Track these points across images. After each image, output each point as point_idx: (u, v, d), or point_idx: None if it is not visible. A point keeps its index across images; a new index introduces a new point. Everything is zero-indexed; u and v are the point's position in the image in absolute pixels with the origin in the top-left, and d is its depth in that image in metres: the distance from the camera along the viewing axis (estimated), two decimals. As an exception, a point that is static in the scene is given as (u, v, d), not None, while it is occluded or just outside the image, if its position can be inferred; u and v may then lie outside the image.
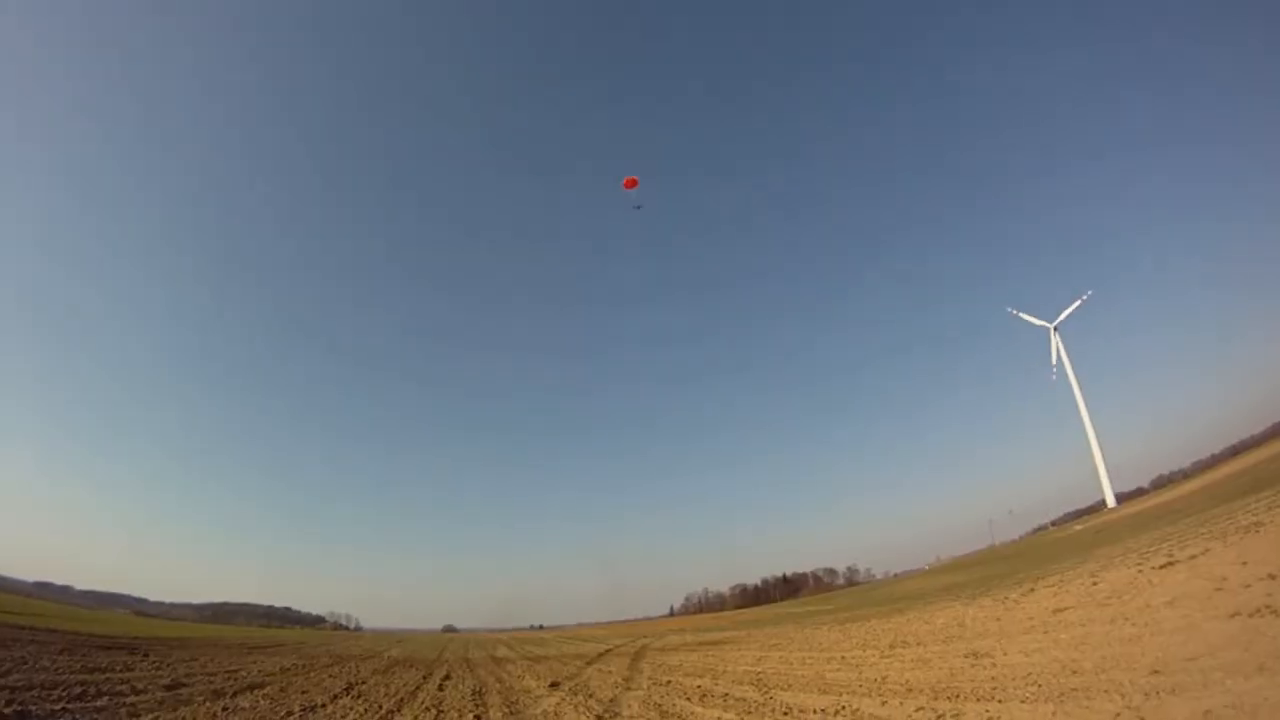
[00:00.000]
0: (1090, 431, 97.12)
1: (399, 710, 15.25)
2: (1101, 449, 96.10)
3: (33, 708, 10.58)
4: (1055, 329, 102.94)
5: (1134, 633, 10.07)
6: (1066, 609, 14.16)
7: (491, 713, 14.75)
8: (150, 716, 11.68)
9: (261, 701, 15.38)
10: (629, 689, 17.62)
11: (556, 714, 14.05)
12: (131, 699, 13.38)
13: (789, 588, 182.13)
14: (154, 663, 22.24)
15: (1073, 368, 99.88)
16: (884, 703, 10.25)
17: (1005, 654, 11.54)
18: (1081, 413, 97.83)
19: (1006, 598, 19.67)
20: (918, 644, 15.85)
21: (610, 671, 23.29)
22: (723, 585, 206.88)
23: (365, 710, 14.84)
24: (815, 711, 10.68)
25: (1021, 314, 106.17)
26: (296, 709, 14.47)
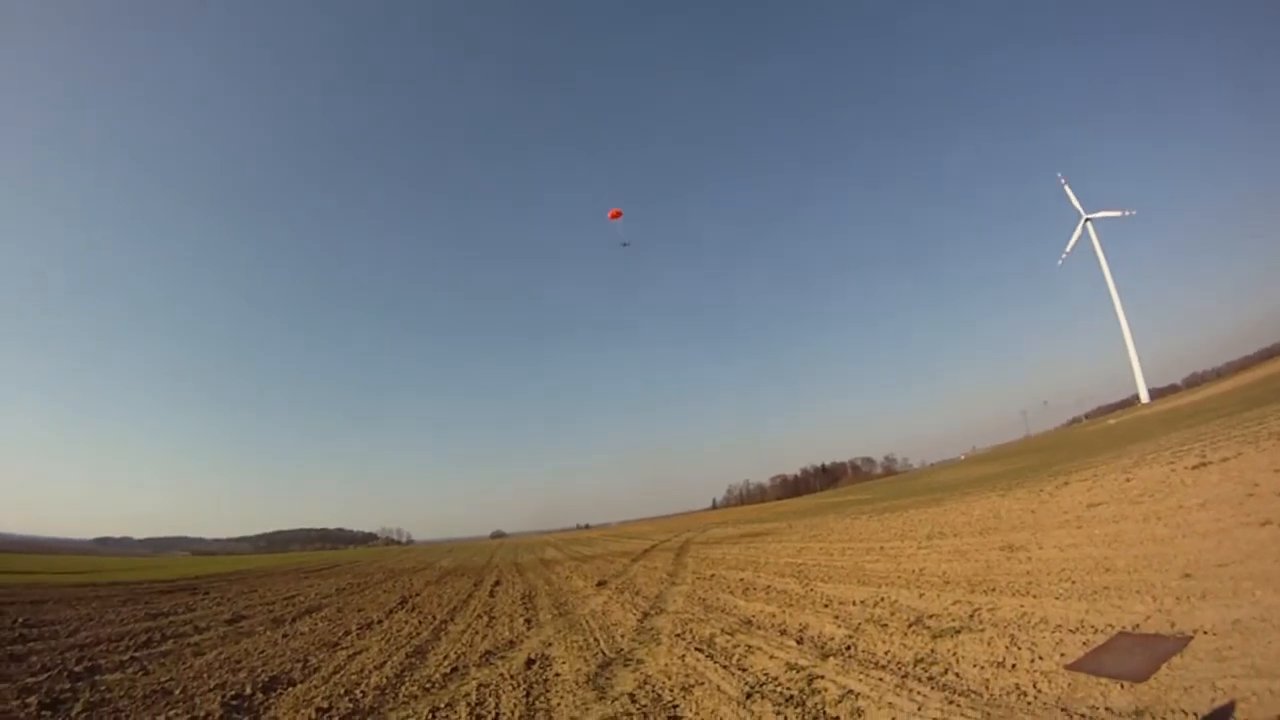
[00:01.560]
0: (1125, 326, 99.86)
1: (452, 619, 16.44)
2: (1135, 344, 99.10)
3: (101, 661, 11.71)
4: (1086, 220, 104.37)
5: (1166, 533, 10.32)
6: (1100, 504, 14.42)
7: (541, 615, 15.78)
8: (214, 652, 12.87)
9: (320, 624, 16.80)
10: (674, 584, 18.73)
11: (604, 612, 15.03)
12: (195, 638, 14.71)
13: (828, 478, 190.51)
14: (214, 600, 24.18)
15: (1107, 261, 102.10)
16: (921, 595, 10.77)
17: (1040, 548, 11.90)
18: (1116, 307, 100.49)
19: (1041, 490, 20.02)
20: (954, 535, 16.35)
21: (655, 568, 24.64)
22: (763, 477, 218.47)
23: (420, 622, 16.12)
24: (855, 603, 11.26)
25: (1067, 186, 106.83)
26: (354, 627, 15.81)
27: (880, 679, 7.23)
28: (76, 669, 11.00)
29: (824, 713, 6.65)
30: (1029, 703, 5.90)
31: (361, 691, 9.33)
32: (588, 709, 7.81)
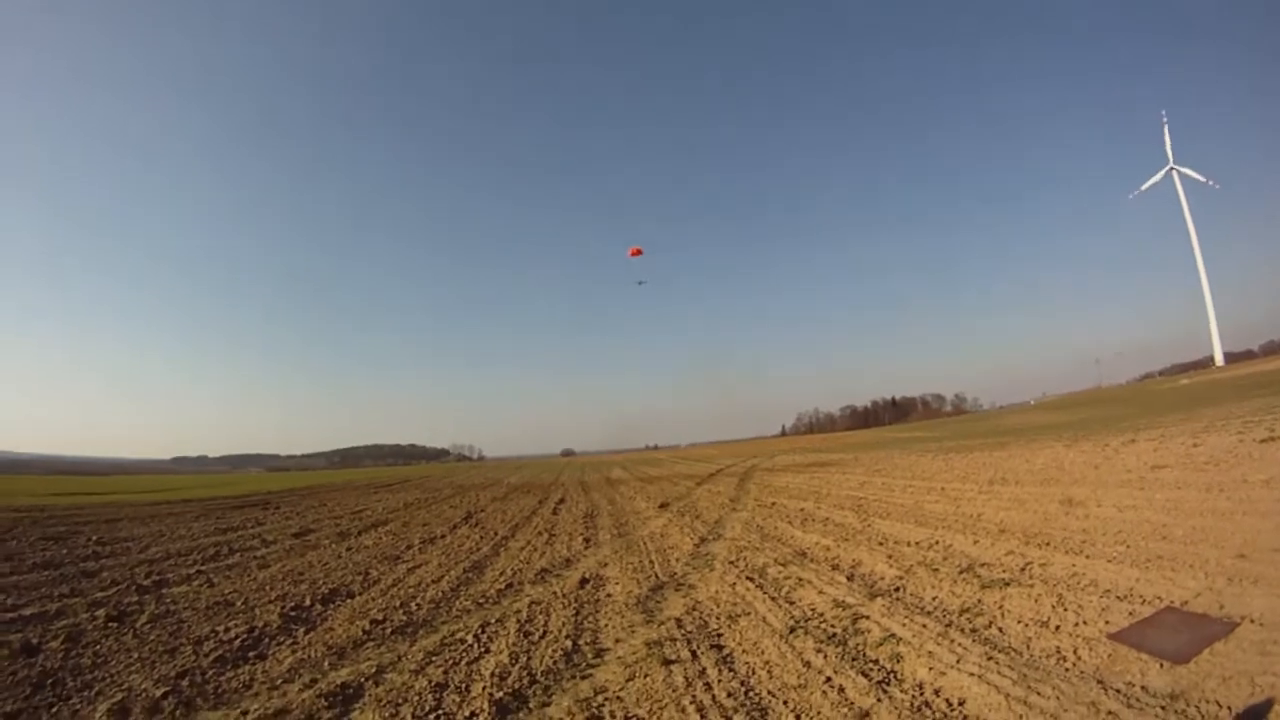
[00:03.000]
0: (1205, 285, 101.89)
1: (513, 535, 17.13)
2: (1215, 305, 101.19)
3: (169, 575, 12.78)
4: (1172, 169, 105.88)
5: (1227, 507, 9.90)
6: (1164, 467, 14.06)
7: (601, 534, 16.30)
8: (279, 565, 13.87)
9: (384, 538, 17.82)
10: (734, 510, 19.05)
11: (662, 535, 15.42)
12: (262, 551, 15.85)
13: (897, 411, 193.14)
14: (284, 514, 25.93)
15: (1193, 218, 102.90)
16: (976, 541, 10.65)
17: (1099, 505, 11.64)
18: (1198, 264, 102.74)
19: (1107, 444, 19.69)
20: (1016, 483, 16.11)
21: (718, 493, 25.07)
22: (833, 406, 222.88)
23: (481, 538, 16.91)
24: (909, 544, 11.24)
25: (1167, 127, 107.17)
26: (416, 541, 16.73)
27: (924, 626, 7.21)
28: (144, 583, 11.99)
29: (863, 654, 6.67)
30: (1066, 669, 5.81)
31: (416, 604, 9.88)
32: (633, 631, 8.02)
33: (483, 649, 7.69)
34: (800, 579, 9.77)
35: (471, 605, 9.76)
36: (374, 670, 7.17)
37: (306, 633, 8.83)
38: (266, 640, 8.54)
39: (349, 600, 10.52)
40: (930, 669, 6.11)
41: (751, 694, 6.02)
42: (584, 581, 10.85)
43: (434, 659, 7.42)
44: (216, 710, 6.44)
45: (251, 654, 8.01)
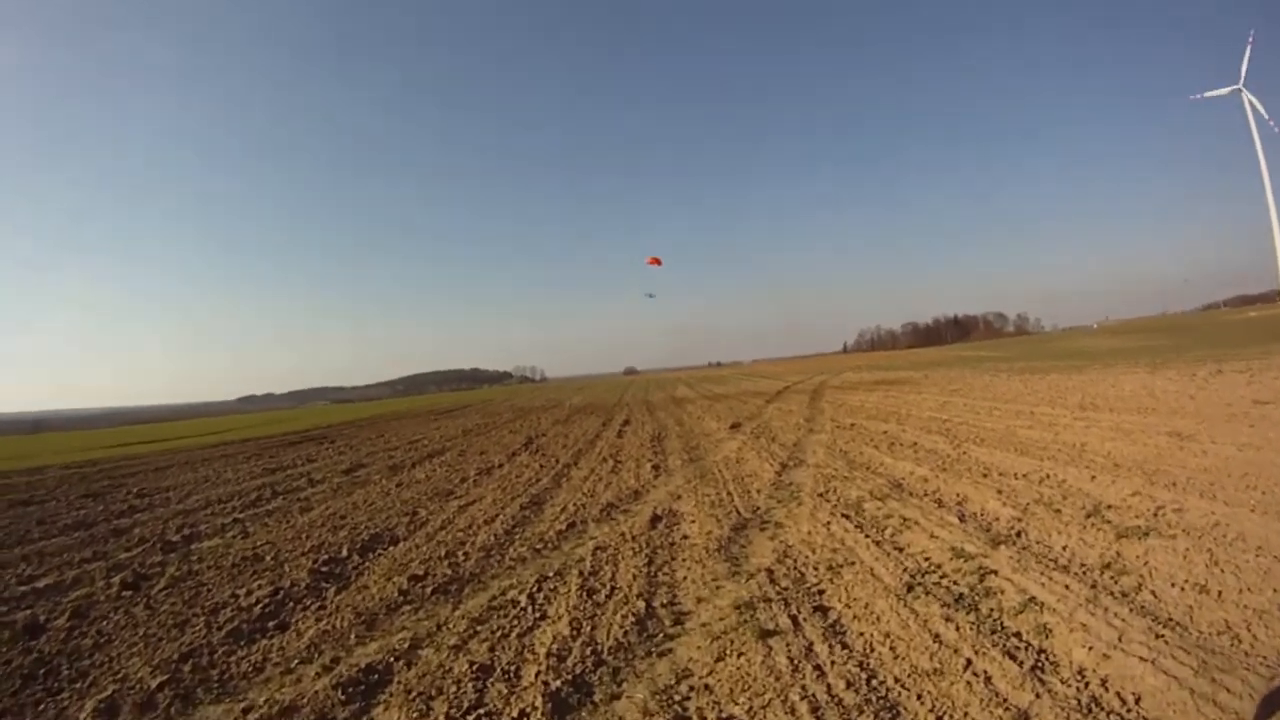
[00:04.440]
0: (1274, 218, 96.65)
1: (575, 463, 16.05)
2: None
3: (203, 526, 12.03)
4: (1239, 89, 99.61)
5: None
6: (1267, 403, 12.86)
7: (670, 460, 15.09)
8: (321, 507, 13.06)
9: (438, 470, 16.99)
10: (811, 431, 17.70)
11: (738, 460, 14.13)
12: (307, 492, 15.14)
13: (959, 330, 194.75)
14: (338, 449, 25.58)
15: (1263, 145, 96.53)
16: (1093, 477, 9.19)
17: (1213, 442, 10.25)
18: (1267, 194, 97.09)
19: (1194, 375, 18.37)
20: (1109, 410, 14.79)
21: (790, 411, 23.80)
22: (894, 323, 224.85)
23: (541, 467, 15.85)
24: (1016, 476, 9.84)
25: (1251, 47, 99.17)
26: (471, 473, 15.80)
27: (1066, 587, 5.82)
28: (174, 538, 11.24)
29: (1002, 625, 5.30)
30: (1245, 652, 4.47)
31: (465, 553, 8.78)
32: (718, 588, 6.70)
33: (538, 614, 6.48)
34: (904, 519, 8.35)
35: (527, 552, 8.61)
36: (406, 646, 6.03)
37: (338, 593, 7.83)
38: (291, 604, 7.54)
39: (390, 549, 9.53)
40: (1089, 649, 4.77)
41: (876, 683, 4.65)
42: (655, 519, 9.59)
43: (479, 629, 6.24)
44: (218, 704, 5.39)
45: (271, 624, 7.00)
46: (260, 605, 7.48)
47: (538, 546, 8.81)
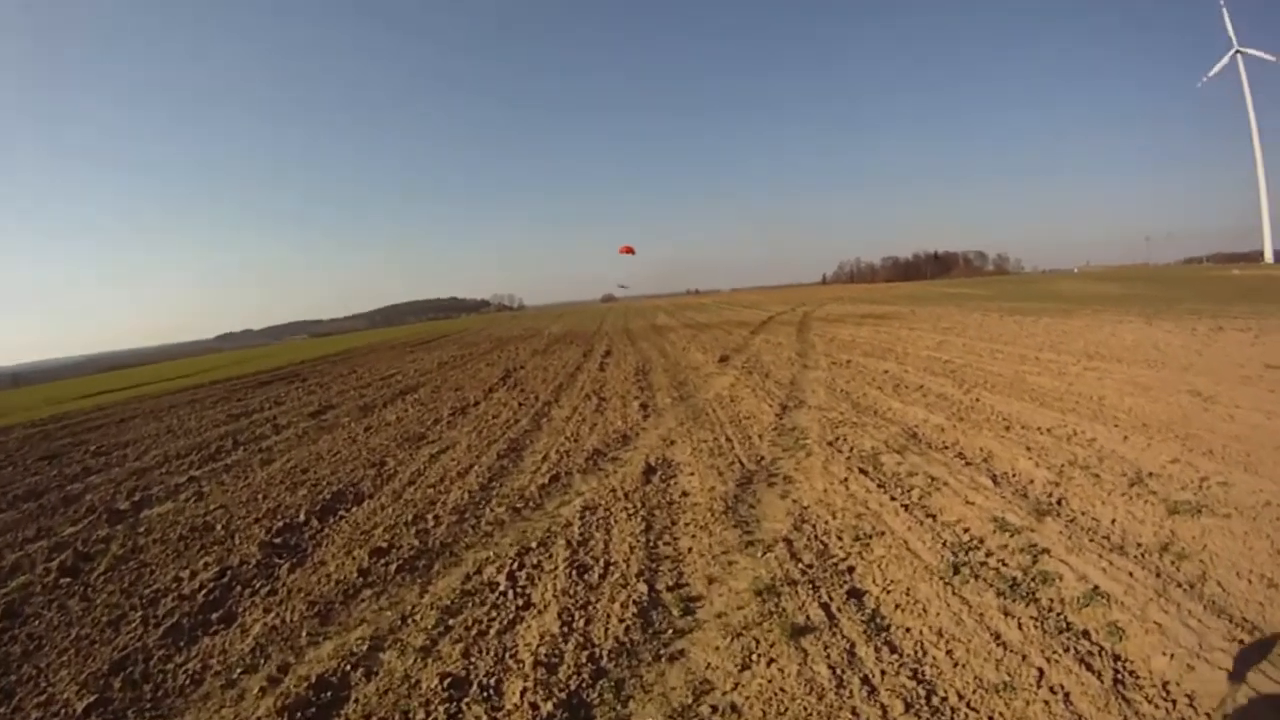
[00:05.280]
0: (1261, 177, 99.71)
1: (556, 400, 15.01)
2: (1270, 199, 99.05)
3: (156, 489, 10.88)
4: (1237, 52, 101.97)
5: None
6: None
7: (659, 397, 14.09)
8: (283, 459, 11.94)
9: (410, 409, 15.87)
10: (806, 367, 16.60)
11: (732, 399, 13.13)
12: (270, 441, 13.98)
13: (939, 265, 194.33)
14: (308, 388, 24.29)
15: (1254, 104, 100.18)
16: (1125, 437, 8.20)
17: (1239, 407, 9.32)
18: (1256, 154, 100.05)
19: (1194, 329, 17.23)
20: (1116, 360, 13.74)
21: (779, 344, 22.67)
22: (874, 256, 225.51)
23: (519, 405, 14.77)
24: (1041, 430, 8.87)
25: (1226, 10, 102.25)
26: (445, 413, 14.69)
27: (1130, 575, 4.91)
28: (123, 506, 10.10)
29: (1069, 624, 4.39)
30: None
31: (435, 516, 7.74)
32: (731, 564, 5.71)
33: (520, 600, 5.47)
34: (931, 477, 7.36)
35: (506, 514, 7.59)
36: (366, 648, 5.02)
37: (291, 571, 6.82)
38: (239, 589, 6.50)
39: (353, 509, 8.52)
40: (1169, 657, 3.91)
41: (937, 701, 3.77)
42: (649, 471, 8.57)
43: (451, 622, 5.23)
44: (146, 731, 4.42)
45: (215, 616, 5.98)
46: (205, 591, 6.46)
47: (517, 505, 7.79)
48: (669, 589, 5.36)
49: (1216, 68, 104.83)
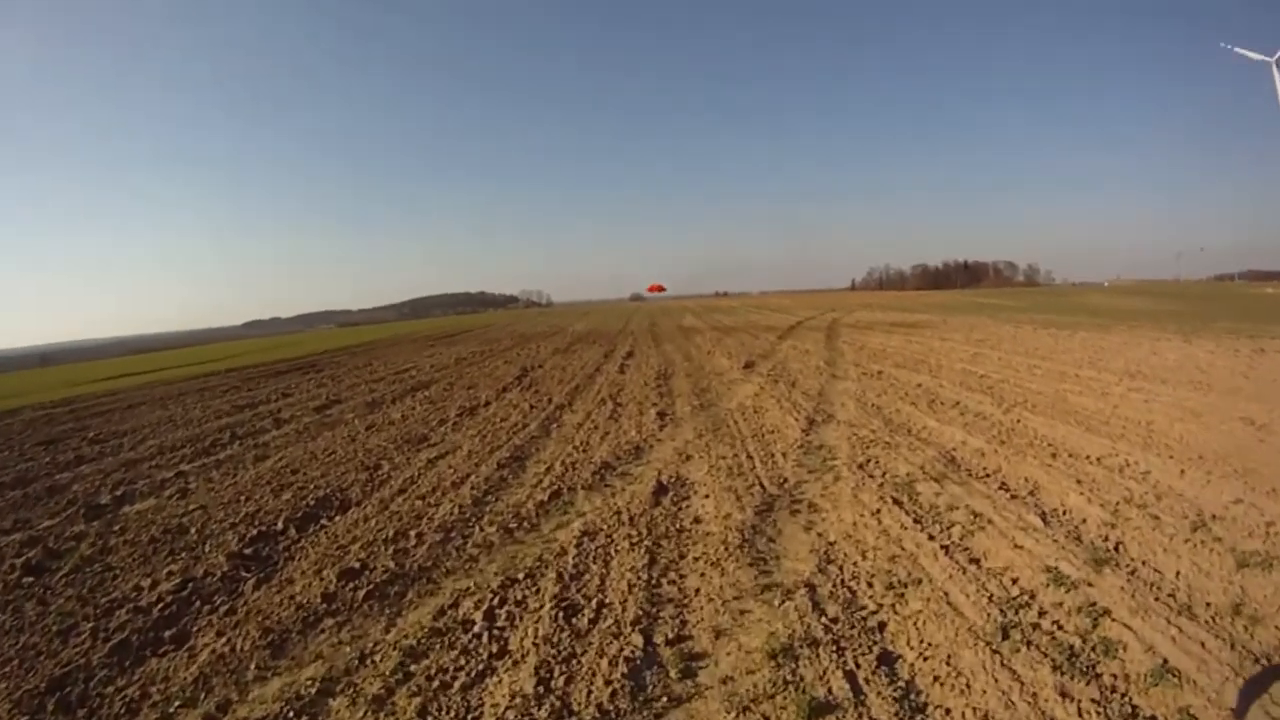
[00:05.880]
0: None
1: (570, 404, 14.28)
2: None
3: (142, 483, 10.27)
4: (1273, 63, 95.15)
5: None
6: None
7: (678, 404, 13.30)
8: (277, 456, 11.30)
9: (418, 408, 15.22)
10: (835, 378, 15.68)
11: (755, 409, 12.27)
12: (269, 435, 13.38)
13: (969, 275, 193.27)
14: (321, 380, 23.69)
15: None
16: (1182, 471, 7.25)
17: None
18: None
19: (1237, 350, 16.04)
20: (1160, 381, 12.69)
21: (807, 351, 21.78)
22: (903, 264, 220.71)
23: (530, 408, 14.01)
24: (1089, 460, 7.93)
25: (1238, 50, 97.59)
26: (453, 413, 14.00)
27: (1202, 645, 4.09)
28: (105, 500, 9.50)
29: (1134, 708, 3.59)
30: None
31: (419, 533, 7.00)
32: (744, 614, 4.87)
33: (496, 646, 4.69)
34: (973, 513, 6.46)
35: (496, 535, 6.82)
36: (315, 691, 4.32)
37: (255, 588, 6.13)
38: (198, 604, 5.84)
39: (336, 519, 7.83)
40: None
41: None
42: (660, 490, 7.76)
43: (412, 668, 4.48)
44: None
45: (167, 634, 5.32)
46: (162, 605, 5.81)
47: (510, 526, 7.02)
48: (669, 642, 4.54)
49: (1246, 52, 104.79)
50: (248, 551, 7.00)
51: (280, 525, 7.71)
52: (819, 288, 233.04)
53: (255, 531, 7.54)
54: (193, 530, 7.87)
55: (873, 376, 15.42)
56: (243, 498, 9.06)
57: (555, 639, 4.64)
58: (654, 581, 5.43)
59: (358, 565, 6.27)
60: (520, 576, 5.70)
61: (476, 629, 4.89)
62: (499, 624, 4.96)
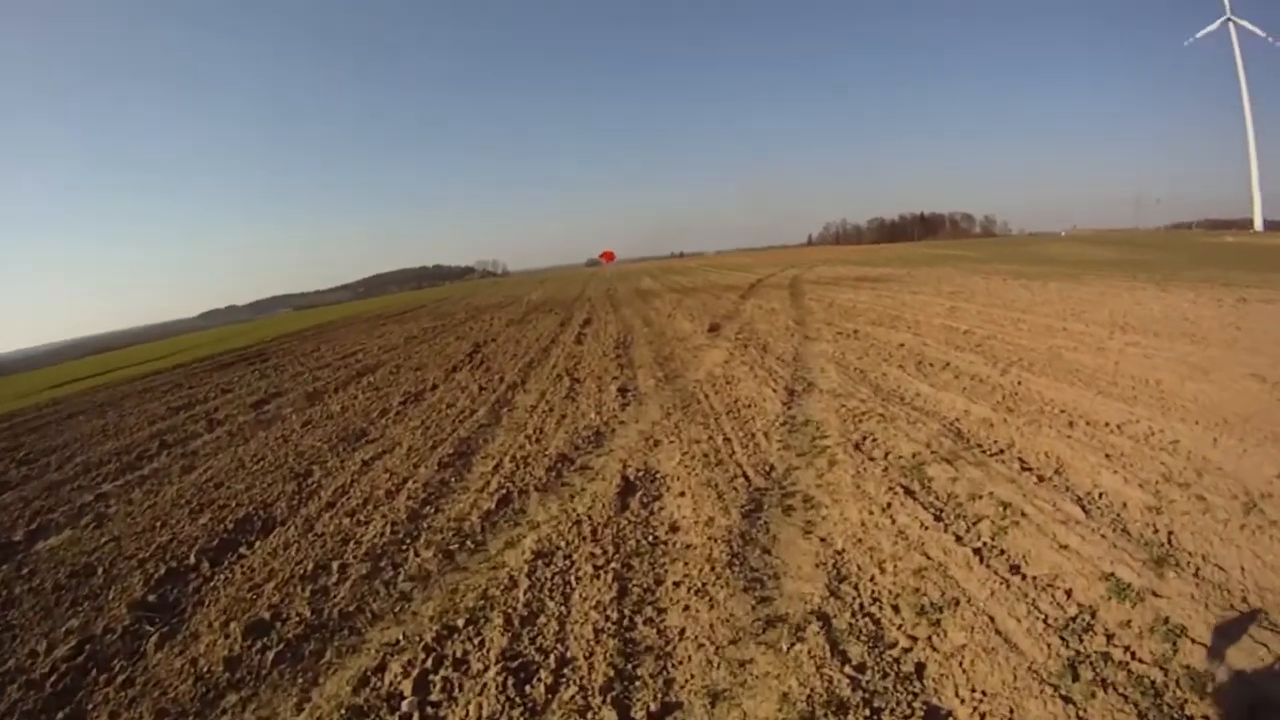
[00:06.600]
0: (1252, 143, 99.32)
1: (523, 383, 13.04)
2: (1260, 166, 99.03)
3: (61, 511, 8.88)
4: (1228, 20, 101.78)
5: None
6: None
7: (640, 378, 12.18)
8: (203, 467, 9.97)
9: (359, 397, 13.94)
10: (808, 339, 14.53)
11: (727, 379, 11.16)
12: (199, 441, 12.03)
13: (926, 227, 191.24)
14: (264, 371, 22.28)
15: (1246, 72, 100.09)
16: (1214, 440, 6.33)
17: None
18: (1246, 120, 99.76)
19: (1219, 300, 15.15)
20: (1154, 334, 11.74)
21: (773, 310, 20.64)
22: (859, 218, 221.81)
23: (480, 389, 12.77)
24: (1110, 427, 6.99)
25: None
26: (396, 401, 12.71)
27: None
28: (19, 536, 8.20)
29: None
30: None
31: (343, 565, 5.82)
32: (743, 664, 3.82)
33: (428, 731, 3.61)
34: (1001, 503, 5.43)
35: (434, 560, 5.70)
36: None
37: (158, 647, 4.99)
38: (93, 673, 4.76)
39: (255, 545, 6.70)
40: None
41: None
42: (627, 489, 6.66)
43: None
44: None
45: (58, 717, 4.28)
46: (55, 677, 4.78)
47: (450, 547, 5.89)
48: (652, 717, 3.48)
49: (1205, 30, 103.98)
50: (152, 598, 5.85)
51: (193, 559, 6.55)
52: (776, 245, 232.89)
53: (164, 569, 6.39)
54: (100, 571, 6.69)
55: (848, 336, 14.34)
56: (158, 524, 7.85)
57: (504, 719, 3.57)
58: (626, 622, 4.34)
59: (268, 616, 5.13)
60: (460, 623, 4.59)
61: (404, 709, 3.79)
62: (433, 698, 3.87)
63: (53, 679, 4.73)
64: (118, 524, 8.09)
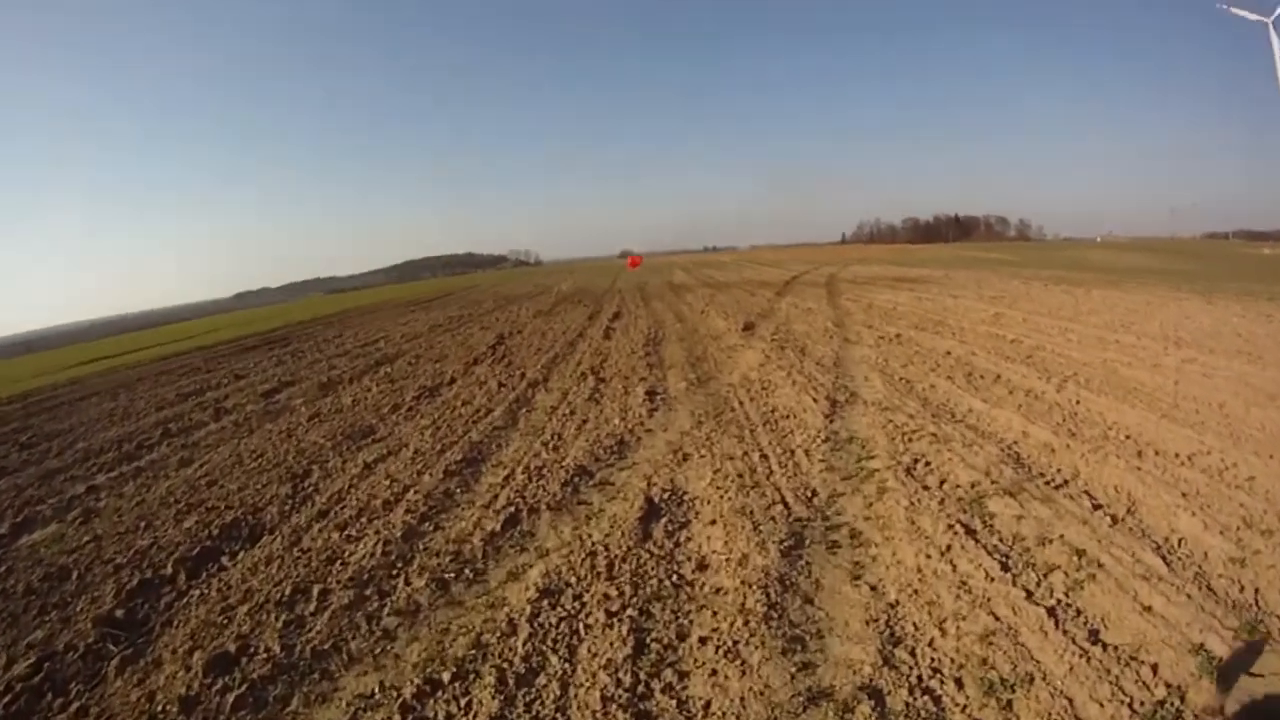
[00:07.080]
0: None
1: (545, 380, 12.43)
2: None
3: (49, 503, 8.46)
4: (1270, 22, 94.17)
5: None
6: None
7: (670, 379, 11.45)
8: (201, 461, 9.48)
9: (373, 389, 13.39)
10: (848, 342, 13.65)
11: (763, 385, 10.35)
12: (203, 431, 11.57)
13: (960, 229, 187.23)
14: (286, 354, 21.96)
15: None
16: None
17: None
18: None
19: (1269, 316, 13.94)
20: (1209, 351, 10.69)
21: (810, 310, 19.71)
22: (893, 217, 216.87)
23: (499, 386, 12.11)
24: (1181, 459, 6.15)
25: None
26: (410, 396, 12.16)
27: None
28: (3, 530, 7.81)
29: None
30: None
31: (323, 590, 5.17)
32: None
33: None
34: (1074, 550, 4.61)
35: (425, 591, 5.03)
36: None
37: (119, 672, 4.47)
38: (49, 697, 4.27)
39: (238, 557, 6.14)
40: None
41: None
42: (651, 513, 5.92)
43: None
44: None
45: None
46: (9, 697, 4.33)
47: (446, 576, 5.21)
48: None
49: (1242, 11, 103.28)
50: (119, 614, 5.30)
51: (170, 568, 6.01)
52: (809, 242, 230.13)
53: (138, 580, 5.86)
54: (75, 576, 6.20)
55: (891, 341, 13.43)
56: (143, 524, 7.34)
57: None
58: (642, 688, 3.61)
59: (234, 649, 4.50)
60: (446, 676, 3.90)
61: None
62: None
63: (7, 699, 4.26)
64: (104, 521, 7.62)
